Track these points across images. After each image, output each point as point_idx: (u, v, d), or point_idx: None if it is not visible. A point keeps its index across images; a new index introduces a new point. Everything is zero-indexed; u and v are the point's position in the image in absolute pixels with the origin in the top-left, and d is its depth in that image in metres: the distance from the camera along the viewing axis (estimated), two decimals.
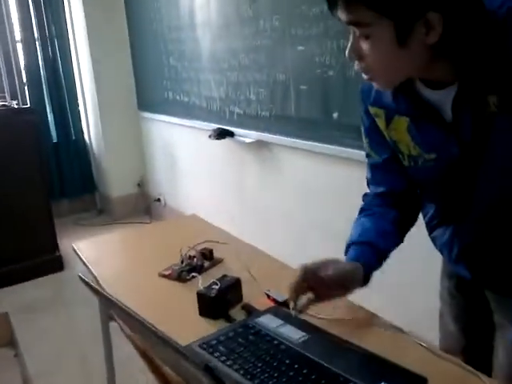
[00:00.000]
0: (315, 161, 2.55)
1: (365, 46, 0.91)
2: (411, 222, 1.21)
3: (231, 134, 3.05)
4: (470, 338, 1.30)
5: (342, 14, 0.90)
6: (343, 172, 2.35)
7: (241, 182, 3.30)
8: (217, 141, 3.11)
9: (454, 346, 1.34)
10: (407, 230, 1.20)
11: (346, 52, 0.94)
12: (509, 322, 1.11)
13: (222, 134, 3.05)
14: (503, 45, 0.88)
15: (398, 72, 0.94)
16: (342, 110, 2.24)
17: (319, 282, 1.06)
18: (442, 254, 1.23)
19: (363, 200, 1.23)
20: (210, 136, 3.09)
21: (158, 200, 4.51)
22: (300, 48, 2.42)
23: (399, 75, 0.96)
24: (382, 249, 1.13)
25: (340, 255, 1.15)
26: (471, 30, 0.88)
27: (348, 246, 1.14)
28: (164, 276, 1.43)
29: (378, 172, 1.20)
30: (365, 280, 1.10)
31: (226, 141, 3.12)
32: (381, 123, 1.10)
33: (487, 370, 1.14)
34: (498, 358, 1.13)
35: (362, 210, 1.21)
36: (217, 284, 1.22)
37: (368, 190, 1.23)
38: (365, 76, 0.97)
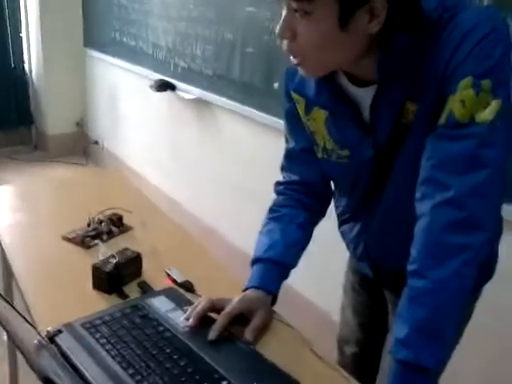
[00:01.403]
0: (252, 127, 2.50)
1: (301, 23, 0.84)
2: (320, 218, 1.20)
3: (173, 88, 2.95)
4: (367, 334, 1.33)
5: None
6: (276, 142, 2.31)
7: (178, 138, 3.22)
8: (158, 93, 3.00)
9: (350, 336, 1.37)
10: (315, 225, 1.19)
11: (278, 28, 0.87)
12: None
13: (163, 86, 2.94)
14: (429, 51, 0.85)
15: (331, 58, 0.89)
16: None
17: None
18: (348, 249, 1.23)
19: (275, 191, 1.19)
20: (151, 87, 2.98)
21: (96, 143, 4.36)
22: (250, 9, 2.32)
23: (331, 62, 0.91)
24: (288, 264, 1.11)
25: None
26: (408, 26, 0.84)
27: (254, 261, 1.10)
28: (67, 239, 1.37)
29: (293, 160, 1.17)
30: (272, 301, 1.08)
31: (167, 94, 3.02)
32: (301, 110, 1.08)
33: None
34: (383, 360, 1.15)
35: (270, 210, 1.16)
36: (115, 257, 1.17)
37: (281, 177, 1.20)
38: (293, 59, 0.91)
